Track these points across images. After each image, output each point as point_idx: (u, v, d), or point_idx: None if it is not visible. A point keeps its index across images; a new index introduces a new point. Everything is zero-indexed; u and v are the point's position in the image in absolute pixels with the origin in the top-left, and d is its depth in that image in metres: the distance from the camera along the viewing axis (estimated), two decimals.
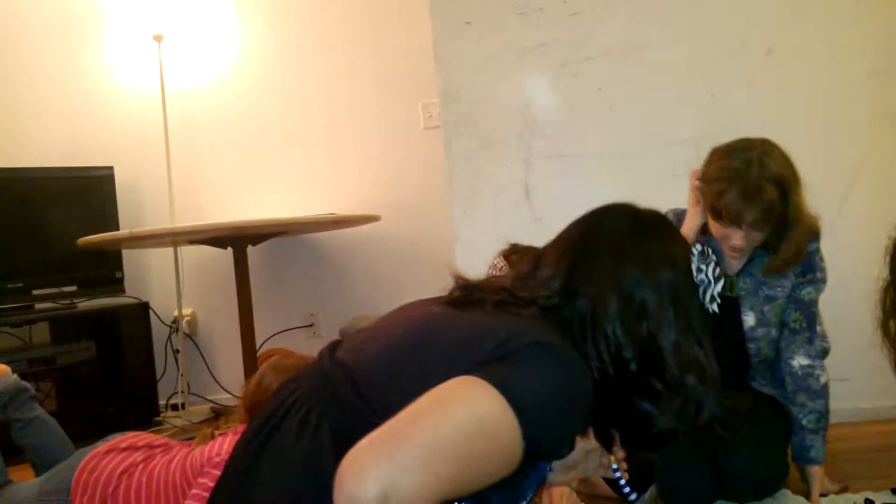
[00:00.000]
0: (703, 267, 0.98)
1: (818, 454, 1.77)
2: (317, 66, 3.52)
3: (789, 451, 1.80)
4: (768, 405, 1.85)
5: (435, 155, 2.82)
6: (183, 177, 3.52)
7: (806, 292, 1.82)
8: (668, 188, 2.20)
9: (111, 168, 3.41)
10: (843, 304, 2.04)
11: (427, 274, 3.44)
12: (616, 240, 0.99)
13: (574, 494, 1.91)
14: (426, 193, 3.38)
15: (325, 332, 3.55)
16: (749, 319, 1.84)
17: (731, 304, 1.84)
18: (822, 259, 1.84)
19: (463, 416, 0.73)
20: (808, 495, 1.75)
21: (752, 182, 1.61)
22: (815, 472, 1.76)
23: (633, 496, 1.14)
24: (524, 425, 0.75)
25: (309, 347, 3.52)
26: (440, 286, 3.79)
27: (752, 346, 1.85)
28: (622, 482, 1.15)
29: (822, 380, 1.81)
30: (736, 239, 1.68)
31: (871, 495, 1.76)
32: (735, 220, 1.64)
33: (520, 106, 2.50)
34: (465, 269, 2.57)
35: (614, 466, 1.13)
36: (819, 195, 2.34)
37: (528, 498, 0.95)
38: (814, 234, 1.81)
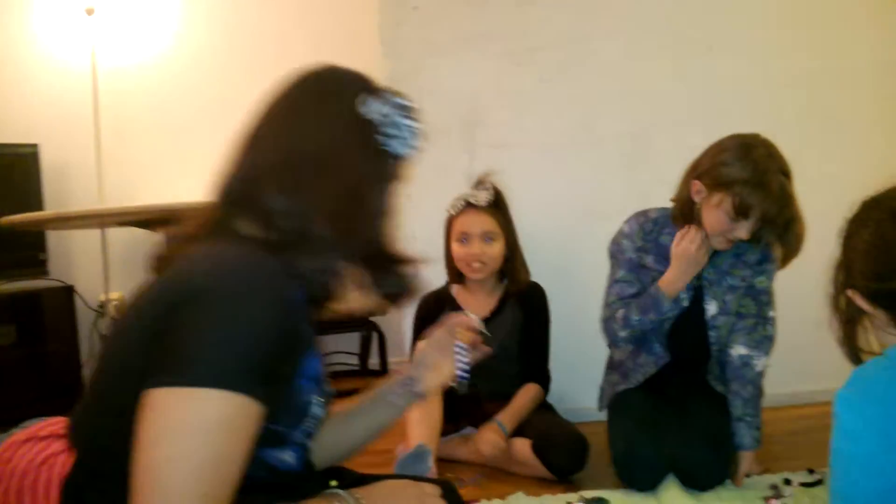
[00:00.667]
0: None
1: (742, 440, 1.83)
2: (257, 49, 3.43)
3: None
4: (718, 404, 1.92)
5: None
6: (113, 157, 3.38)
7: (759, 280, 1.89)
8: (609, 180, 2.25)
9: (35, 146, 3.25)
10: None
11: None
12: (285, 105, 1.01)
13: (501, 441, 1.96)
14: None
15: None
16: (711, 308, 1.91)
17: (694, 292, 1.91)
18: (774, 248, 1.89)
19: (193, 444, 0.71)
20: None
21: (769, 176, 1.65)
22: (741, 455, 1.83)
23: (463, 377, 1.15)
24: (234, 386, 0.73)
25: None
26: None
27: (712, 333, 1.92)
28: (462, 363, 1.16)
29: (758, 368, 1.88)
30: (743, 232, 1.71)
31: (789, 475, 1.86)
32: (747, 213, 1.67)
33: (465, 94, 2.49)
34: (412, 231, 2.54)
35: (461, 345, 1.16)
36: None
37: (316, 399, 0.92)
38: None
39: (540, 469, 1.95)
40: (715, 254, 1.87)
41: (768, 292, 1.91)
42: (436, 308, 2.26)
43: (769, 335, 1.92)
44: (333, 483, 0.96)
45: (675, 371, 1.98)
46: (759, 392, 1.89)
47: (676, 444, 1.83)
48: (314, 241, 0.87)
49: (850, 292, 1.00)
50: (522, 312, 2.24)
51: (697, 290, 1.91)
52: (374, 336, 3.27)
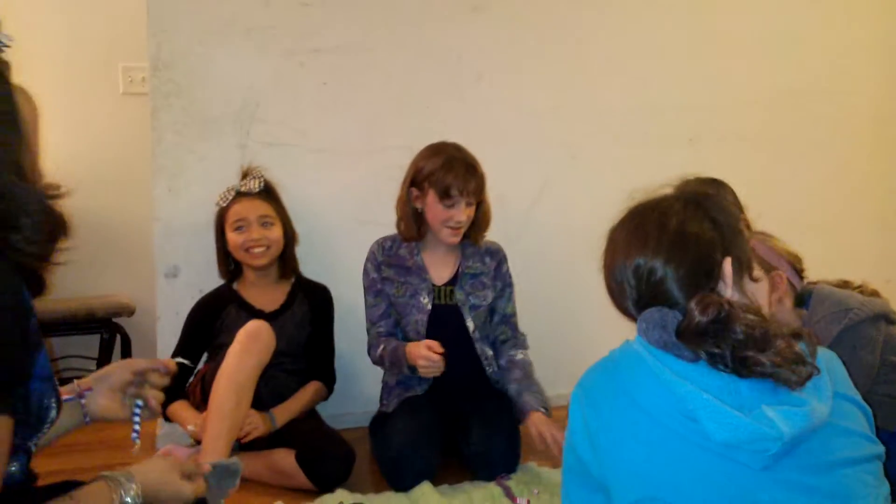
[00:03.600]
0: None
1: (529, 403, 2.02)
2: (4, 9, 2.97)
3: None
4: (497, 401, 2.12)
5: (136, 124, 2.55)
6: None
7: (505, 306, 2.20)
8: (383, 189, 2.28)
9: None
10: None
11: (114, 256, 3.12)
12: None
13: (261, 427, 1.95)
14: (121, 166, 3.06)
15: None
16: (470, 324, 2.13)
17: (454, 311, 2.13)
18: (508, 271, 2.22)
19: None
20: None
21: (469, 160, 2.06)
22: (533, 418, 1.99)
23: (135, 438, 1.21)
24: None
25: None
26: (129, 270, 3.48)
27: (477, 346, 2.13)
28: (136, 423, 1.21)
29: (528, 359, 2.17)
30: (459, 213, 2.03)
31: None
32: (462, 190, 2.00)
33: (241, 86, 2.38)
34: (164, 251, 2.38)
35: (139, 403, 1.20)
36: (510, 205, 2.63)
37: (51, 400, 0.90)
38: (490, 244, 2.21)
39: (303, 480, 1.90)
40: (460, 275, 2.14)
41: (514, 313, 2.23)
42: (216, 308, 2.15)
43: (524, 338, 2.22)
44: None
45: (455, 379, 2.08)
46: (531, 371, 2.13)
47: (476, 440, 1.98)
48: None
49: None
50: (310, 308, 2.23)
51: (456, 309, 2.13)
52: (118, 338, 2.96)
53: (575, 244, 1.99)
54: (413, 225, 2.10)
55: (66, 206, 0.93)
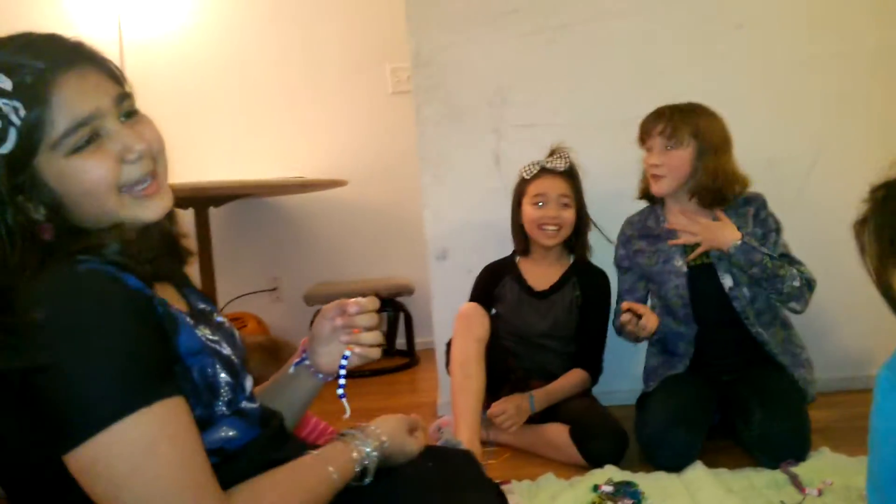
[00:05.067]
0: None
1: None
2: (284, 25, 3.41)
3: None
4: (776, 375, 1.98)
5: (405, 120, 2.77)
6: None
7: (772, 252, 1.97)
8: (632, 162, 2.20)
9: None
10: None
11: (394, 241, 3.44)
12: None
13: (515, 416, 2.01)
14: (395, 159, 3.34)
15: (289, 296, 3.50)
16: (727, 281, 2.00)
17: (708, 270, 2.02)
18: (770, 217, 2.03)
19: (150, 465, 0.73)
20: None
21: (663, 108, 2.02)
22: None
23: (341, 394, 1.03)
24: (138, 403, 0.73)
25: (271, 311, 3.48)
26: (407, 253, 3.80)
27: (736, 304, 2.00)
28: (342, 375, 1.04)
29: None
30: (653, 156, 2.00)
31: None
32: (644, 138, 2.01)
33: (491, 72, 2.45)
34: (434, 236, 2.56)
35: (346, 354, 1.04)
36: (785, 168, 2.38)
37: (216, 365, 0.87)
38: (748, 194, 2.04)
39: (574, 456, 1.94)
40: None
41: (782, 261, 1.97)
42: (494, 277, 2.26)
43: (795, 290, 1.95)
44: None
45: (718, 348, 2.03)
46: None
47: (756, 422, 1.85)
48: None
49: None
50: (583, 294, 2.20)
51: (710, 268, 2.02)
52: (401, 316, 3.27)
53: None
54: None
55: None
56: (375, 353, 1.05)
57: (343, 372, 1.03)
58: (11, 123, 0.76)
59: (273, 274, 3.53)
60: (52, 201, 0.81)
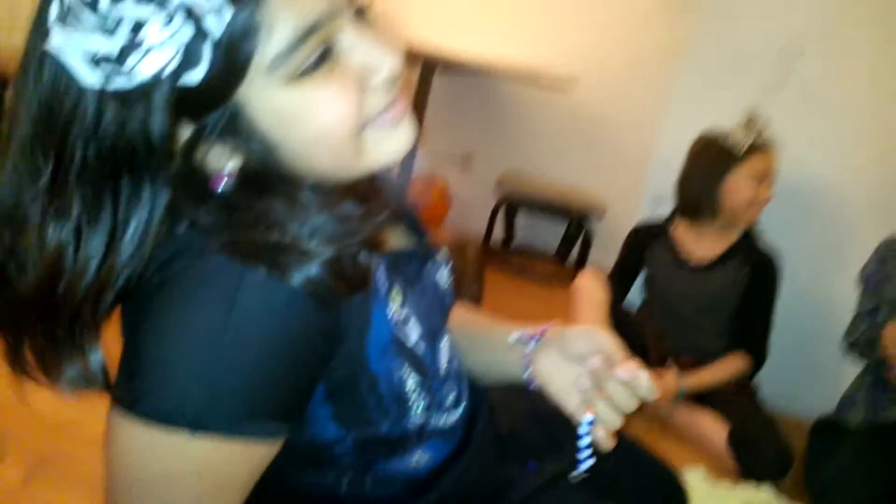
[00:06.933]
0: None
1: None
2: None
3: None
4: None
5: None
6: None
7: None
8: None
9: None
10: None
11: (601, 153, 3.24)
12: None
13: (660, 394, 1.87)
14: (623, 63, 3.08)
15: (478, 169, 3.48)
16: None
17: None
18: None
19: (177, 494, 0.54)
20: None
21: None
22: None
23: (583, 465, 0.77)
24: (232, 429, 0.52)
25: (459, 182, 3.49)
26: (610, 170, 3.57)
27: None
28: (584, 442, 0.76)
29: None
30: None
31: None
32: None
33: (784, 24, 2.16)
34: (668, 155, 2.33)
35: (588, 418, 0.75)
36: None
37: (404, 369, 0.65)
38: None
39: (726, 458, 1.86)
40: None
41: None
42: (644, 239, 2.14)
43: None
44: None
45: None
46: None
47: None
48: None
49: None
50: (748, 277, 2.02)
51: None
52: (581, 236, 3.17)
53: None
54: None
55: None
56: (616, 423, 0.76)
57: (585, 442, 0.75)
58: (205, 34, 0.48)
59: (468, 147, 3.50)
60: (257, 155, 0.55)
